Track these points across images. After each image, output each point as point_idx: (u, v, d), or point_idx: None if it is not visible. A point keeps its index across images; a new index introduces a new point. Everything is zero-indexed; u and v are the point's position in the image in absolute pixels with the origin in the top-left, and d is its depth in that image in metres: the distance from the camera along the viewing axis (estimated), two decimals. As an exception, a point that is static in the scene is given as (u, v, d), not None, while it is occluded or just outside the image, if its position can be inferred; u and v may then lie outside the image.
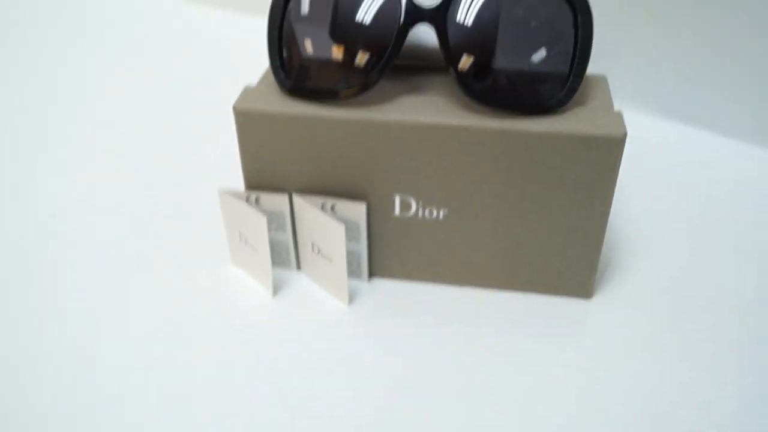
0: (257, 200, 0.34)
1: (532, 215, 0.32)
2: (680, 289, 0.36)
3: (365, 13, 0.31)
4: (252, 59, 0.45)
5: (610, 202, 0.31)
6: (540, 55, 0.30)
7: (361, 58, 0.31)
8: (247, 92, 0.33)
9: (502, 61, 0.30)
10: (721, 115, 0.52)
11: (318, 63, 0.32)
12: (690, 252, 0.39)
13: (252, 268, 0.36)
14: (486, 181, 0.32)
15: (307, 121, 0.32)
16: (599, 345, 0.33)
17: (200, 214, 0.42)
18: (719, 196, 0.45)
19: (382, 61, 0.30)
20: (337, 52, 0.31)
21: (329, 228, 0.33)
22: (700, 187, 0.46)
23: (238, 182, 0.36)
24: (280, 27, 0.32)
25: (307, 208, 0.34)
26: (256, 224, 0.34)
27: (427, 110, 0.31)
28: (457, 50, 0.30)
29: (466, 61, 0.30)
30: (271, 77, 0.34)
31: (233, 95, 0.33)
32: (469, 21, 0.30)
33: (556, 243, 0.33)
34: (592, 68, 0.32)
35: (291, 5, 0.32)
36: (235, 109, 0.32)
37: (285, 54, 0.33)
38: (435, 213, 0.33)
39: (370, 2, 0.31)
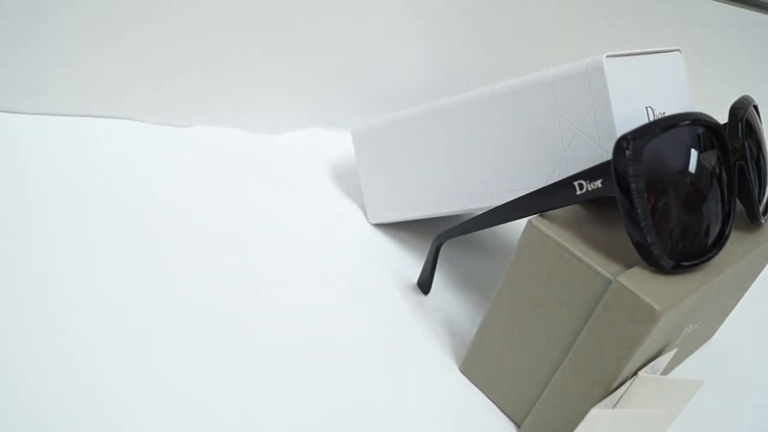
0: (618, 402, 0.32)
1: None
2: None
3: (701, 157, 0.30)
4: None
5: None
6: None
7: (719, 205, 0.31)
8: (633, 287, 0.28)
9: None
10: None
11: (691, 226, 0.30)
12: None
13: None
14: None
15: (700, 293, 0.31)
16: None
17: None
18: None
19: (732, 205, 0.32)
20: (703, 208, 0.31)
21: (676, 388, 0.34)
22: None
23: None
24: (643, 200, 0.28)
25: (648, 381, 0.33)
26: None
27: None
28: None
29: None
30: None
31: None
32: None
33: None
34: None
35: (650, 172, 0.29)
36: (652, 307, 0.28)
37: (656, 229, 0.29)
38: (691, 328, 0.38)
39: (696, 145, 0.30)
